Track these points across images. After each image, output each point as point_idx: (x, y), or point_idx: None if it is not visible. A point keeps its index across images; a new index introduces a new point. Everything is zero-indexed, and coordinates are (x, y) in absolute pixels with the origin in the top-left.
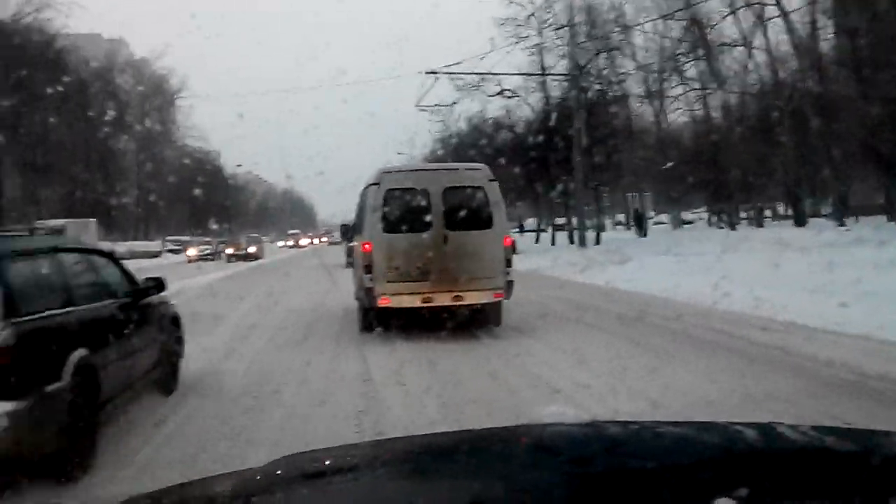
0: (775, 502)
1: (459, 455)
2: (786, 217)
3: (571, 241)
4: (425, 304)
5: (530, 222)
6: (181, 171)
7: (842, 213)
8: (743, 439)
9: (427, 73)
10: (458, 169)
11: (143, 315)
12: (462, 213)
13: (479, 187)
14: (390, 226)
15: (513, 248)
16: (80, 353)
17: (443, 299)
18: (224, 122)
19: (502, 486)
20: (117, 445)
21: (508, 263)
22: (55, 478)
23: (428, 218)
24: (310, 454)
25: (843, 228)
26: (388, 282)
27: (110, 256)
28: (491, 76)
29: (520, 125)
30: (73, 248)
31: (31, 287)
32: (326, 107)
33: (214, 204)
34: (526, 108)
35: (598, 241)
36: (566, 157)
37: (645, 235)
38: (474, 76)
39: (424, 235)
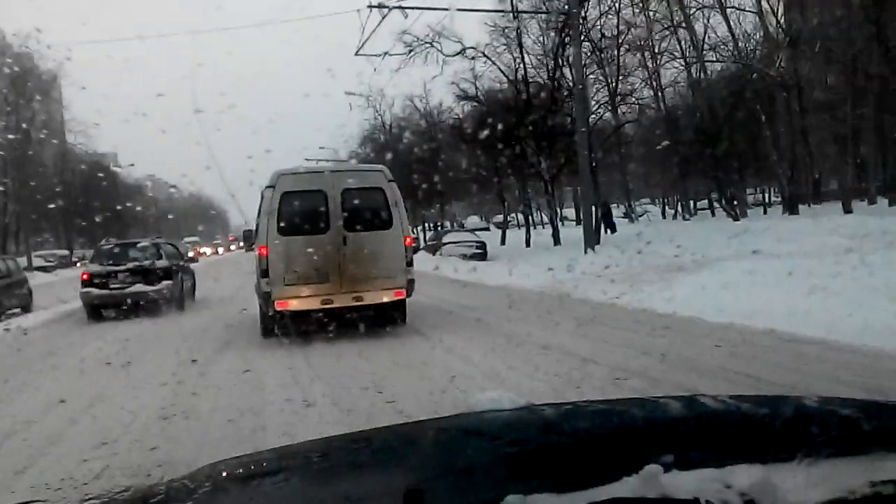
0: (699, 466)
1: (395, 447)
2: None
3: (556, 241)
4: (325, 306)
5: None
6: (64, 174)
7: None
8: (668, 411)
9: (372, 6)
10: (356, 170)
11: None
12: (361, 215)
13: (378, 188)
14: (287, 228)
15: (414, 248)
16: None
17: (343, 300)
18: (123, 121)
19: (439, 473)
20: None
21: (409, 263)
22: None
23: (326, 220)
24: (237, 460)
25: None
26: (287, 285)
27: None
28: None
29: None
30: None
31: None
32: (242, 98)
33: (104, 211)
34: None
35: (597, 242)
36: (546, 131)
37: (614, 231)
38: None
39: (323, 237)
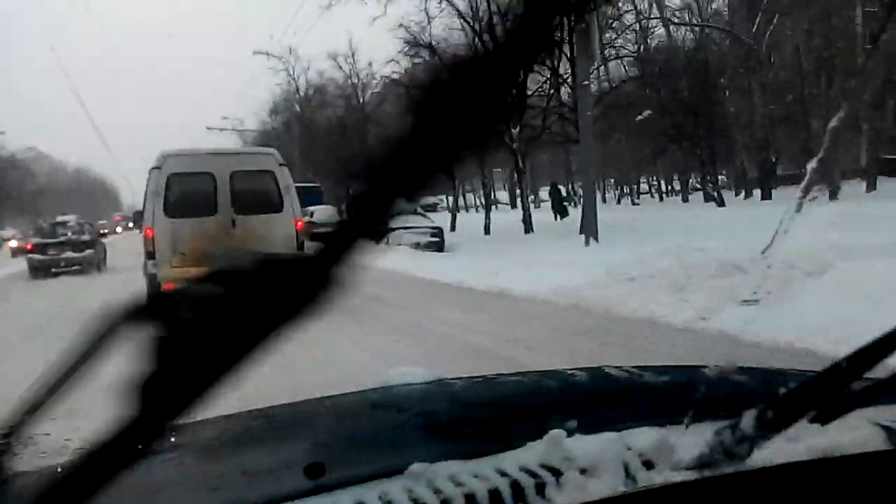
0: (601, 430)
1: (298, 423)
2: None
3: (528, 228)
4: None
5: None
6: None
7: None
8: (575, 381)
9: None
10: (246, 153)
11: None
12: (250, 198)
13: (268, 171)
14: (173, 210)
15: (305, 232)
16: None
17: None
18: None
19: (344, 446)
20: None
21: (301, 247)
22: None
23: (214, 202)
24: None
25: None
26: (173, 267)
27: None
28: None
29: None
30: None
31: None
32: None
33: None
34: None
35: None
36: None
37: (565, 216)
38: None
39: (211, 220)
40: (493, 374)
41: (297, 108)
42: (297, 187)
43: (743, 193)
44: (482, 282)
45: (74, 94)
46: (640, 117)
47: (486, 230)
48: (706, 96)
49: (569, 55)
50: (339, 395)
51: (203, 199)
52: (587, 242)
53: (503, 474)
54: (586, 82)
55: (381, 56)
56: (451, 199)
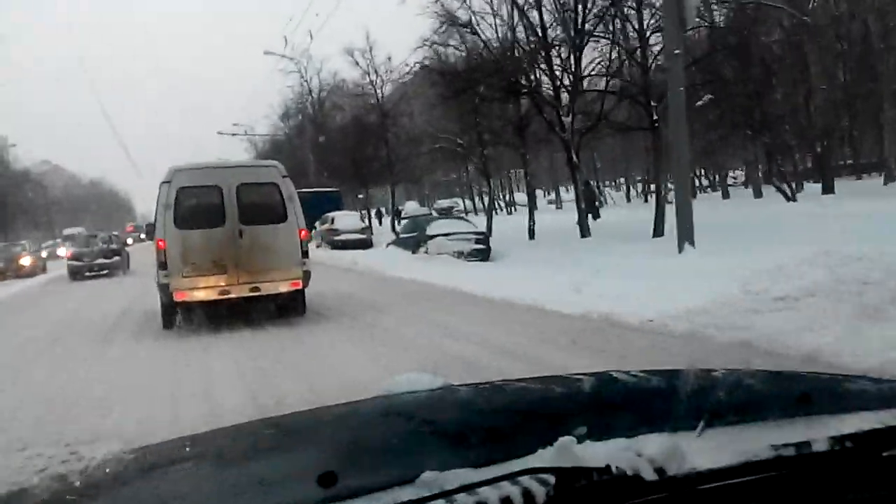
0: (611, 436)
1: (309, 431)
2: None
3: (584, 232)
4: (223, 297)
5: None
6: None
7: None
8: (583, 387)
9: None
10: (251, 166)
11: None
12: (256, 209)
13: (272, 183)
14: (183, 222)
15: (309, 240)
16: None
17: (240, 291)
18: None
19: (355, 454)
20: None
21: (305, 255)
22: None
23: (222, 214)
24: (145, 449)
25: None
26: (184, 277)
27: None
28: None
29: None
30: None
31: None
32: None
33: None
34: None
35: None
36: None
37: (597, 217)
38: None
39: (219, 231)
40: (499, 380)
41: (310, 109)
42: (315, 192)
43: (793, 186)
44: (565, 302)
45: (102, 110)
46: (699, 103)
47: (531, 234)
48: (767, 78)
49: (636, 26)
50: (349, 402)
51: (211, 211)
52: (681, 248)
53: (514, 482)
54: (678, 51)
55: (401, 50)
56: (467, 201)
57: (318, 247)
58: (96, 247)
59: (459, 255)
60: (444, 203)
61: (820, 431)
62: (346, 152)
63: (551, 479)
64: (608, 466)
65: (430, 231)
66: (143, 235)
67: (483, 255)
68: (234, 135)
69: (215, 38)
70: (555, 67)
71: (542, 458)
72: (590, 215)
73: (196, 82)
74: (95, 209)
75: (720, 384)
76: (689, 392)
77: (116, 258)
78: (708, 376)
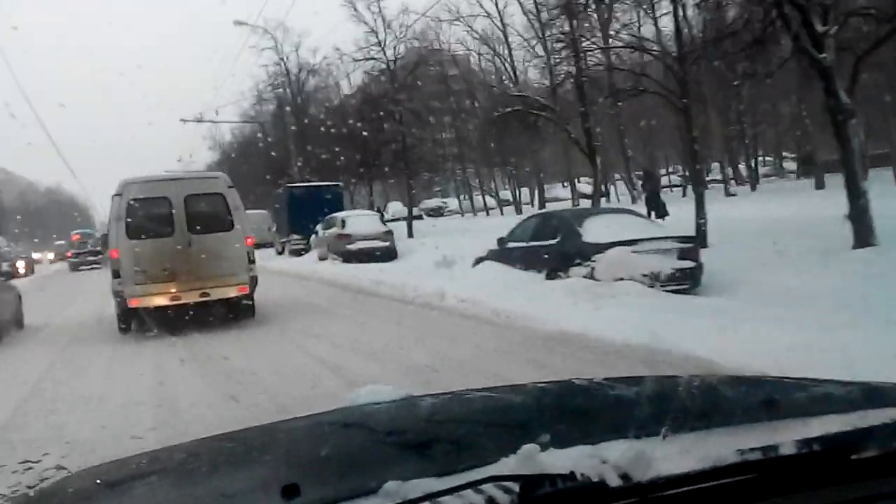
0: (575, 444)
1: (272, 444)
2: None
3: (858, 242)
4: (174, 302)
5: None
6: None
7: None
8: (545, 396)
9: None
10: (198, 177)
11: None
12: (203, 218)
13: (218, 194)
14: (134, 232)
15: (254, 247)
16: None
17: (190, 297)
18: None
19: (318, 466)
20: None
21: (251, 261)
22: None
23: (171, 223)
24: (108, 465)
25: None
26: (136, 284)
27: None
28: None
29: None
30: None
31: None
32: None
33: None
34: None
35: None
36: None
37: (664, 215)
38: None
39: (169, 240)
40: (461, 389)
41: (287, 92)
42: (312, 188)
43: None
44: None
45: (37, 119)
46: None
47: (700, 236)
48: None
49: None
50: (311, 415)
51: (161, 221)
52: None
53: (478, 490)
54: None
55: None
56: (465, 201)
57: (321, 259)
58: (88, 248)
59: (654, 279)
60: (430, 203)
61: (787, 435)
62: (350, 138)
63: (515, 486)
64: (572, 473)
65: (589, 236)
66: (90, 245)
67: (692, 279)
68: (199, 122)
69: (177, 14)
70: None
71: (506, 465)
72: (653, 213)
73: (158, 67)
74: (53, 217)
75: (684, 390)
76: (653, 398)
77: (101, 256)
78: (672, 382)
